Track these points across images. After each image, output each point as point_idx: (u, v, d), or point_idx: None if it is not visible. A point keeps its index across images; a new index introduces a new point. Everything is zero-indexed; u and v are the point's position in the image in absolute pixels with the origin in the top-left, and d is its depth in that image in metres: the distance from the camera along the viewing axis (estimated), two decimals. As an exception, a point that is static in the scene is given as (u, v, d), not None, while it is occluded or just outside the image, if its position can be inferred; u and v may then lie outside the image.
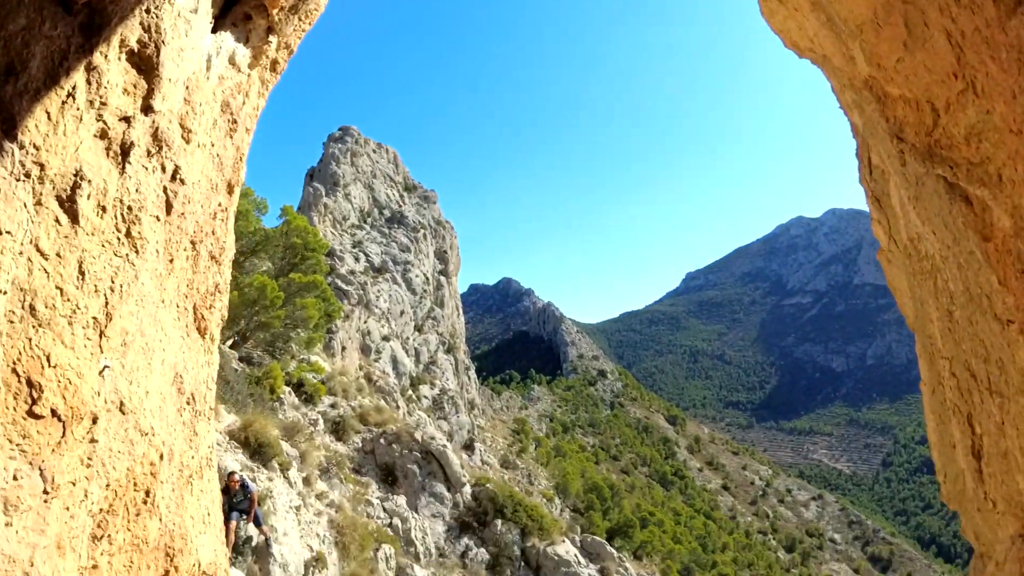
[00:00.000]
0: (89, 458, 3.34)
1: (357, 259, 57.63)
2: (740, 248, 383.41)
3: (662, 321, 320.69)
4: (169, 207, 4.01)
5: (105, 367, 3.43)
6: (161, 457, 3.72)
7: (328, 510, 17.44)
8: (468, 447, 52.02)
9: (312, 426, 25.03)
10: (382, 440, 26.57)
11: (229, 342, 26.10)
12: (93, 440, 3.35)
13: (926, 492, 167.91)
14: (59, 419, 3.18)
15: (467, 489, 26.15)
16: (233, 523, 11.99)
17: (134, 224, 3.68)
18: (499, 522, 25.11)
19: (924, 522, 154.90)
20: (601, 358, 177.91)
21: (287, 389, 27.12)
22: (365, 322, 49.27)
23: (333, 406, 29.77)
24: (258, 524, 12.75)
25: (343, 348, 42.72)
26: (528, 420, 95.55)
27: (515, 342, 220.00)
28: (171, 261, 4.07)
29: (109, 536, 3.44)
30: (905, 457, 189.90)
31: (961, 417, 3.87)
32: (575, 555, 25.47)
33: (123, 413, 3.47)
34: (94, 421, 3.34)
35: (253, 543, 12.88)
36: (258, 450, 16.07)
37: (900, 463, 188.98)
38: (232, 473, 12.33)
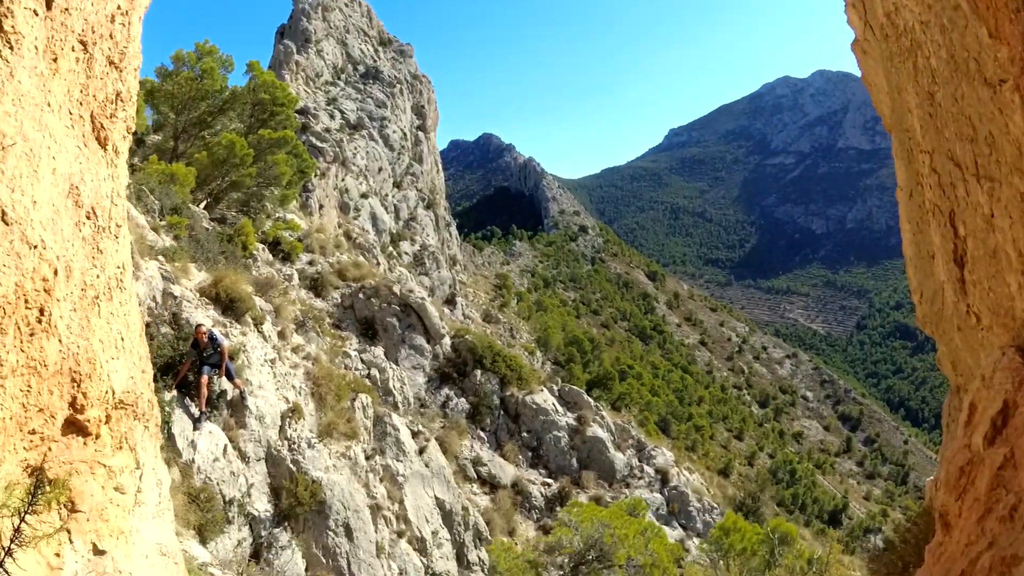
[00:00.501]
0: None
1: (332, 116, 56.07)
2: (724, 106, 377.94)
3: (644, 177, 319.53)
4: (50, 2, 3.53)
5: None
6: (56, 273, 3.39)
7: (304, 362, 17.45)
8: (450, 302, 52.51)
9: (287, 281, 24.89)
10: (361, 295, 26.55)
11: (203, 204, 25.53)
12: (-28, 252, 3.02)
13: (897, 356, 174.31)
14: (-71, 228, 2.80)
15: (447, 341, 26.41)
16: (205, 377, 11.88)
17: (6, 17, 3.21)
18: (478, 372, 25.53)
19: (894, 385, 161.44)
20: (582, 214, 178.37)
21: (260, 247, 26.79)
22: (342, 180, 48.46)
23: (311, 263, 29.63)
24: (230, 377, 12.66)
25: (320, 206, 42.20)
26: (510, 275, 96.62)
27: (496, 198, 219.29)
28: (55, 60, 3.60)
29: (-1, 357, 3.17)
30: (879, 321, 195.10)
31: (942, 218, 3.50)
32: (553, 404, 26.10)
33: (6, 223, 3.11)
34: (-29, 230, 3.00)
35: (228, 397, 12.88)
36: (230, 305, 15.85)
37: (874, 327, 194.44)
38: (199, 326, 12.11)
